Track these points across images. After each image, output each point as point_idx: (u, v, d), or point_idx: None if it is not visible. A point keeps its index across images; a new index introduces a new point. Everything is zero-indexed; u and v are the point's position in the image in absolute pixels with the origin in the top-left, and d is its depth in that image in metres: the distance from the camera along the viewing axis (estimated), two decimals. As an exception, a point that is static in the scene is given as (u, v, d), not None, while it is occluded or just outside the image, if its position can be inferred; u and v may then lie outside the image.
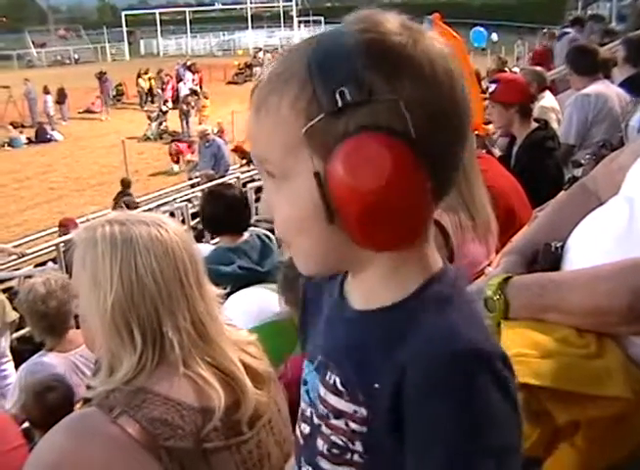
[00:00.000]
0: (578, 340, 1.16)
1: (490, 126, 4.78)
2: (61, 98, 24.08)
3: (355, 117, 0.74)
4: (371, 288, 0.84)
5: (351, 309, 0.87)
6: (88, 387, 1.57)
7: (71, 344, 3.20)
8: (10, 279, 7.20)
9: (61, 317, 3.24)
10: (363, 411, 0.81)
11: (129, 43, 49.19)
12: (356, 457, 0.83)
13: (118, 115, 25.29)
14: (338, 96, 0.74)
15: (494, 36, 35.58)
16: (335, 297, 0.91)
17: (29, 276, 6.20)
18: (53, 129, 21.93)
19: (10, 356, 5.65)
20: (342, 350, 0.86)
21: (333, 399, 0.85)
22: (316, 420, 0.89)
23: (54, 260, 7.47)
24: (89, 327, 1.32)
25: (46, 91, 23.21)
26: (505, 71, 9.07)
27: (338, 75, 0.75)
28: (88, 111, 25.79)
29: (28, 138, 21.11)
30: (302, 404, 0.95)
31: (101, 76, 25.85)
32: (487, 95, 4.14)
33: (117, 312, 1.25)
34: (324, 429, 0.87)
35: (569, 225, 1.43)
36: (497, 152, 3.99)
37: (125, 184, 12.22)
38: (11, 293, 6.18)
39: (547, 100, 5.68)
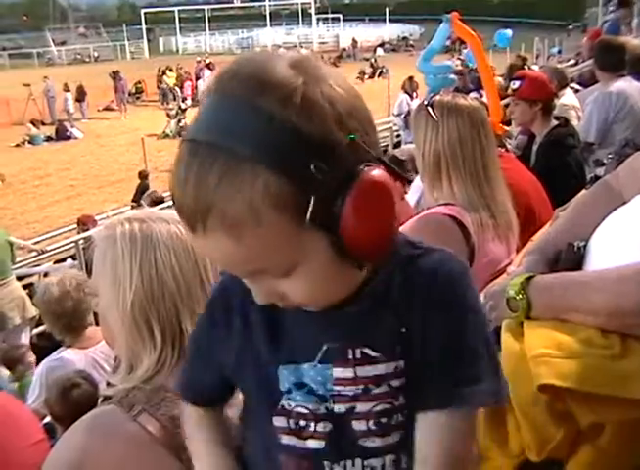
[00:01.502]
0: (602, 340, 1.14)
1: (511, 127, 4.77)
2: (80, 96, 24.23)
3: (340, 172, 0.75)
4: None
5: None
6: (108, 384, 1.58)
7: (91, 340, 3.22)
8: (30, 276, 7.25)
9: (77, 317, 3.26)
10: (401, 363, 0.88)
11: (148, 41, 49.43)
12: (401, 417, 0.89)
13: (137, 112, 25.39)
14: (314, 170, 0.73)
15: (509, 32, 35.40)
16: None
17: (49, 273, 6.27)
18: (72, 127, 22.06)
19: (30, 352, 5.71)
20: (356, 326, 0.89)
21: (368, 370, 0.88)
22: (341, 408, 0.90)
23: (73, 257, 7.51)
24: (109, 325, 1.32)
25: (66, 89, 23.36)
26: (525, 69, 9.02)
27: (299, 156, 0.74)
28: (108, 108, 25.93)
29: (48, 136, 21.25)
30: (304, 409, 0.91)
31: (115, 76, 25.94)
32: (511, 92, 4.11)
33: (137, 310, 1.25)
34: (360, 408, 0.89)
35: (591, 224, 1.41)
36: (515, 151, 3.96)
37: (143, 176, 12.28)
38: (31, 289, 6.23)
39: (567, 97, 5.63)
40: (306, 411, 0.91)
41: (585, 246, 1.38)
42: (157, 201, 8.88)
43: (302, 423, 0.91)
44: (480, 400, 0.88)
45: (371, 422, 0.89)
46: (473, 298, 0.89)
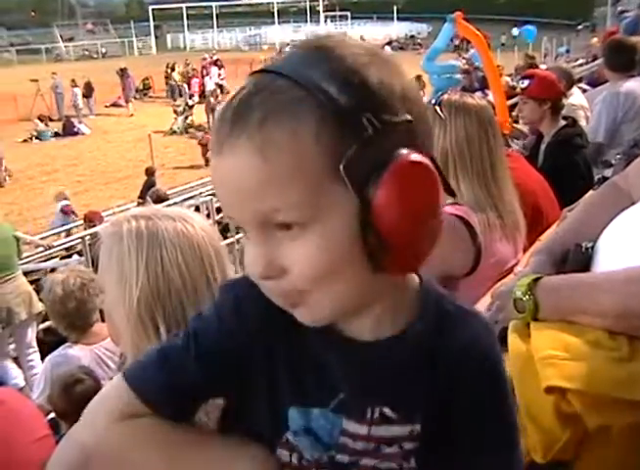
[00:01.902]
0: (610, 342, 1.14)
1: (520, 125, 4.75)
2: (88, 92, 24.27)
3: (387, 141, 0.71)
4: (384, 315, 0.82)
5: (363, 343, 0.82)
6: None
7: (97, 336, 3.22)
8: (37, 271, 7.26)
9: (81, 316, 3.26)
10: (417, 428, 0.83)
11: (156, 37, 49.49)
12: None
13: (145, 109, 25.44)
14: (366, 122, 0.70)
15: (515, 31, 35.37)
16: (314, 343, 0.83)
17: (55, 269, 6.28)
18: (80, 122, 22.10)
19: (36, 347, 5.74)
20: (380, 382, 0.83)
21: (383, 430, 0.83)
22: (344, 458, 0.84)
23: (79, 253, 7.52)
24: (115, 321, 1.32)
25: (75, 85, 23.40)
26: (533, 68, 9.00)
27: (361, 99, 0.71)
28: (115, 105, 25.97)
29: (56, 132, 21.29)
30: (308, 454, 0.85)
31: (123, 73, 25.97)
32: (519, 91, 4.10)
33: (143, 307, 1.25)
34: (365, 462, 0.84)
35: (599, 225, 1.40)
36: (523, 152, 3.95)
37: (150, 173, 12.31)
38: (38, 285, 6.24)
39: (575, 97, 5.61)
40: (308, 456, 0.85)
41: (593, 247, 1.38)
42: (161, 198, 8.89)
43: (305, 463, 0.85)
44: None
45: None
46: (503, 370, 0.87)
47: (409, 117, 0.72)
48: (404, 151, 0.71)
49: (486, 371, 0.84)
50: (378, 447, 0.83)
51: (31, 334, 5.84)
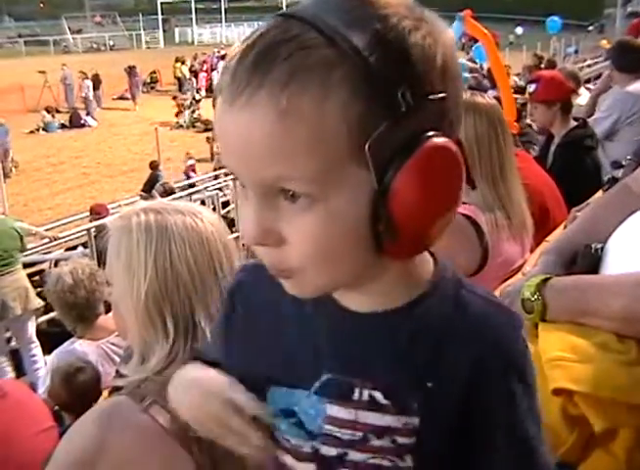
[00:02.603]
0: (618, 345, 1.14)
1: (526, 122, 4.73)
2: (95, 84, 24.25)
3: (417, 121, 0.65)
4: (383, 291, 0.75)
5: (357, 314, 0.76)
6: (118, 374, 1.58)
7: (102, 331, 3.23)
8: (41, 262, 7.28)
9: (90, 305, 3.27)
10: (415, 421, 0.73)
11: (164, 31, 49.40)
12: None
13: (152, 102, 25.43)
14: (401, 98, 0.63)
15: (519, 30, 35.26)
16: (328, 303, 0.77)
17: (60, 260, 6.29)
18: (88, 114, 22.10)
19: (37, 342, 5.73)
20: (372, 359, 0.74)
21: (372, 417, 0.74)
22: (330, 451, 0.76)
23: (84, 245, 7.53)
24: (122, 315, 1.32)
25: (86, 77, 23.38)
26: (541, 69, 8.96)
27: (400, 71, 0.64)
28: (122, 98, 25.96)
29: (62, 123, 21.30)
30: (288, 443, 0.79)
31: (130, 71, 25.92)
32: (528, 96, 4.07)
33: (151, 301, 1.25)
34: (353, 456, 0.75)
35: (609, 226, 1.40)
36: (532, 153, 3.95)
37: (154, 166, 12.32)
38: (42, 276, 6.25)
39: (583, 98, 5.61)
40: (288, 446, 0.79)
41: (602, 248, 1.37)
42: (168, 192, 8.91)
43: (290, 455, 0.80)
44: None
45: None
46: (528, 367, 0.78)
47: (444, 94, 0.67)
48: (433, 134, 0.65)
49: (508, 369, 0.74)
50: (366, 437, 0.74)
51: (31, 329, 5.81)
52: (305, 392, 0.77)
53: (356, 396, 0.74)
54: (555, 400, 1.10)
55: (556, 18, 19.13)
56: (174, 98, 22.96)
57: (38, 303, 5.72)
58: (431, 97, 0.65)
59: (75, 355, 3.11)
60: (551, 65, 11.12)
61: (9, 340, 5.95)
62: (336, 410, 0.75)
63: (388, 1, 0.67)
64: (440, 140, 0.66)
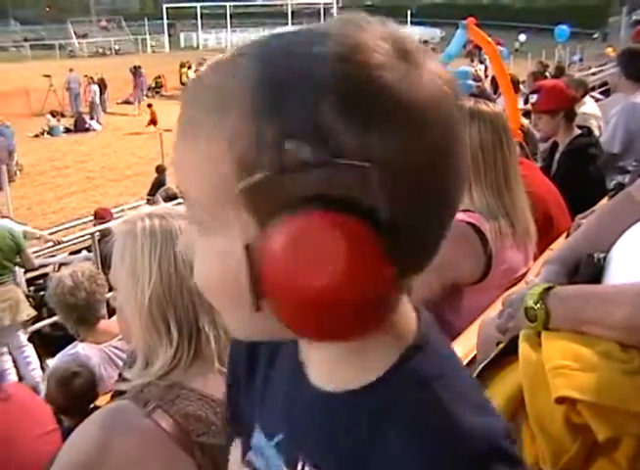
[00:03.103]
0: (621, 354, 1.13)
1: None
2: (101, 88, 24.30)
3: (309, 183, 0.55)
4: (332, 365, 0.68)
5: (313, 387, 0.69)
6: (121, 378, 1.59)
7: (105, 335, 3.23)
8: (45, 266, 7.29)
9: (90, 307, 3.28)
10: None
11: (169, 36, 49.56)
12: None
13: (156, 107, 25.48)
14: (288, 150, 0.55)
15: (522, 37, 35.30)
16: (293, 367, 0.72)
17: (64, 263, 6.29)
18: (92, 119, 22.15)
19: (27, 343, 5.75)
20: (314, 439, 0.68)
21: None
22: None
23: (88, 249, 7.54)
24: (126, 319, 1.33)
25: (92, 81, 23.42)
26: (546, 77, 8.96)
27: (293, 119, 0.55)
28: (127, 102, 26.01)
29: (67, 127, 21.34)
30: None
31: (136, 71, 25.98)
32: (531, 107, 4.06)
33: (155, 306, 1.25)
34: None
35: (612, 235, 1.40)
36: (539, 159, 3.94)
37: (160, 171, 12.33)
38: (45, 279, 6.25)
39: (588, 106, 5.61)
40: None
41: (605, 258, 1.37)
42: (172, 197, 8.90)
43: None
44: None
45: None
46: None
47: (366, 163, 0.54)
48: (322, 203, 0.54)
49: None
50: None
51: (21, 336, 5.80)
52: (269, 443, 0.74)
53: (299, 467, 0.69)
54: (558, 409, 1.10)
55: (564, 26, 19.18)
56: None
57: (27, 314, 5.70)
58: (339, 159, 0.54)
59: (78, 359, 3.11)
60: (560, 71, 11.14)
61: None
62: None
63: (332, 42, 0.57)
64: (328, 212, 0.54)
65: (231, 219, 0.59)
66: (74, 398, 2.75)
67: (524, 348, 1.22)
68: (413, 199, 0.57)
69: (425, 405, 0.62)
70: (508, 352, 1.28)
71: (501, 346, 1.33)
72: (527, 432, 1.17)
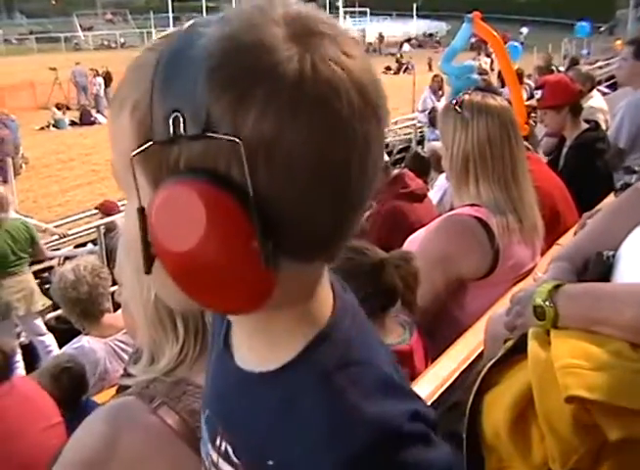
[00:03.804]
0: (632, 354, 1.12)
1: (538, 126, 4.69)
2: (107, 81, 24.28)
3: (186, 153, 0.59)
4: (244, 345, 0.73)
5: (236, 367, 0.73)
6: (126, 373, 1.58)
7: (110, 328, 3.23)
8: (50, 259, 7.29)
9: (93, 301, 3.28)
10: None
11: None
12: None
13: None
14: (171, 122, 0.58)
15: (524, 30, 35.19)
16: (221, 344, 0.77)
17: (69, 257, 6.31)
18: (98, 112, 22.13)
19: (47, 332, 5.84)
20: (230, 413, 0.73)
21: (227, 468, 0.72)
22: None
23: (94, 242, 7.54)
24: (132, 315, 1.32)
25: (97, 74, 23.41)
26: (552, 71, 8.93)
27: (177, 93, 0.59)
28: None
29: (72, 120, 21.34)
30: (202, 453, 0.82)
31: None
32: (536, 102, 4.03)
33: (161, 301, 1.24)
34: None
35: (621, 233, 1.39)
36: (541, 153, 3.92)
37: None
38: (50, 273, 6.26)
39: (595, 100, 5.57)
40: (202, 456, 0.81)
41: (614, 255, 1.36)
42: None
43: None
44: None
45: None
46: None
47: (234, 138, 0.56)
48: (193, 172, 0.58)
49: None
50: None
51: (40, 324, 5.90)
52: (202, 417, 0.80)
53: (218, 442, 0.74)
54: (567, 408, 1.09)
55: (584, 23, 19.27)
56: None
57: (42, 304, 5.80)
58: (210, 134, 0.57)
59: (84, 353, 3.11)
60: (574, 62, 11.11)
61: (19, 335, 6.00)
62: (211, 449, 0.76)
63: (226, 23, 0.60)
64: (195, 181, 0.58)
65: (133, 185, 0.63)
66: (66, 390, 2.76)
67: (532, 346, 1.21)
68: (289, 180, 0.58)
69: (324, 397, 0.64)
70: (516, 351, 1.27)
71: (509, 344, 1.32)
72: (536, 431, 1.15)
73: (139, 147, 0.61)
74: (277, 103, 0.56)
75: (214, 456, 0.75)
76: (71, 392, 2.78)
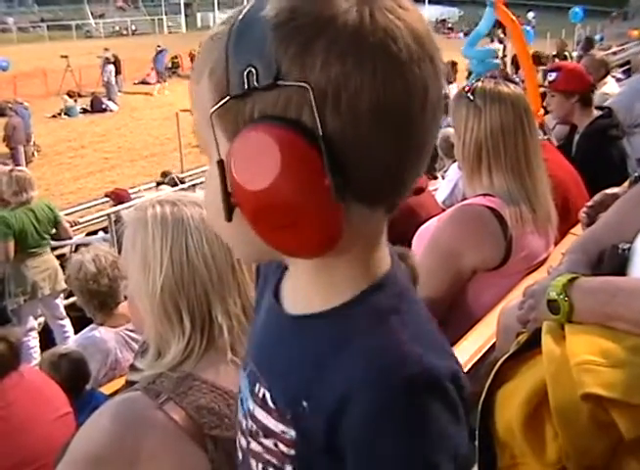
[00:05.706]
0: (650, 350, 1.09)
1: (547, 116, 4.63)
2: (117, 68, 24.26)
3: (260, 104, 0.64)
4: (301, 290, 0.76)
5: (284, 314, 0.78)
6: (133, 368, 1.56)
7: (121, 318, 3.22)
8: (62, 247, 7.31)
9: (112, 294, 3.26)
10: (292, 433, 0.72)
11: (186, 16, 49.38)
12: None
13: (173, 87, 25.45)
14: (245, 77, 0.64)
15: (530, 14, 34.90)
16: (270, 297, 0.82)
17: (81, 244, 6.33)
18: (109, 99, 22.13)
19: (66, 317, 5.92)
20: (272, 360, 0.78)
21: (262, 415, 0.77)
22: (247, 436, 0.81)
23: (105, 230, 7.55)
24: (138, 308, 1.30)
25: (109, 61, 23.38)
26: (565, 57, 8.85)
27: (249, 51, 0.64)
28: (144, 82, 25.98)
29: (84, 108, 21.36)
30: (239, 415, 0.85)
31: (160, 52, 25.75)
32: (547, 83, 3.99)
33: (167, 295, 1.23)
34: (254, 446, 0.79)
35: (636, 224, 1.36)
36: (554, 141, 3.86)
37: (165, 175, 12.38)
38: (63, 260, 6.28)
39: (609, 86, 5.52)
40: (240, 417, 0.85)
41: (630, 248, 1.33)
42: (172, 183, 8.92)
43: (239, 426, 0.85)
44: None
45: (260, 466, 0.78)
46: (421, 426, 0.65)
47: (303, 83, 0.61)
48: (267, 119, 0.63)
49: (371, 422, 0.65)
50: (258, 433, 0.78)
51: (60, 306, 5.98)
52: (244, 373, 0.84)
53: (257, 390, 0.78)
54: (583, 406, 1.06)
55: (577, 9, 19.24)
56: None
57: (64, 284, 5.84)
58: (280, 82, 0.62)
59: (95, 342, 3.11)
60: (589, 43, 11.02)
61: (37, 318, 6.06)
62: (249, 400, 0.80)
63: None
64: (268, 126, 0.63)
65: (213, 141, 0.69)
66: (66, 377, 2.76)
67: (547, 341, 1.18)
68: (354, 122, 0.63)
69: (378, 335, 0.68)
70: (530, 345, 1.24)
71: (523, 338, 1.29)
72: (550, 428, 1.13)
73: (216, 103, 0.66)
74: (340, 50, 0.61)
75: (252, 406, 0.79)
76: (73, 378, 2.77)
